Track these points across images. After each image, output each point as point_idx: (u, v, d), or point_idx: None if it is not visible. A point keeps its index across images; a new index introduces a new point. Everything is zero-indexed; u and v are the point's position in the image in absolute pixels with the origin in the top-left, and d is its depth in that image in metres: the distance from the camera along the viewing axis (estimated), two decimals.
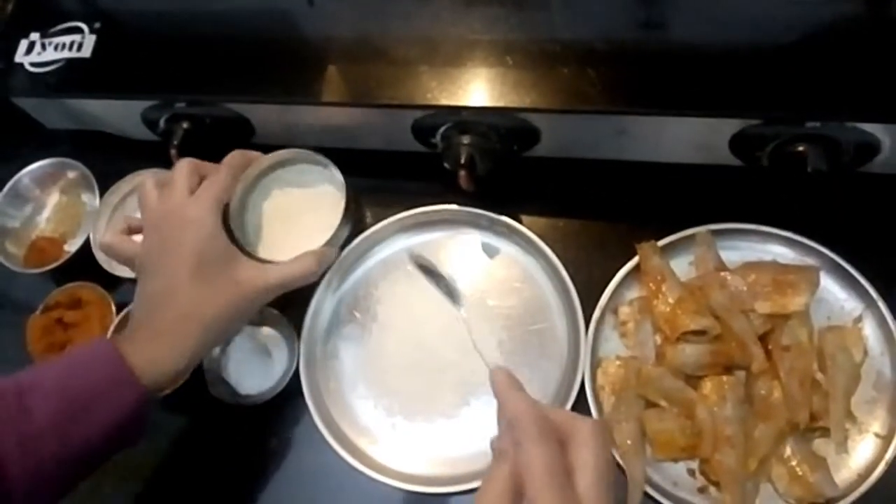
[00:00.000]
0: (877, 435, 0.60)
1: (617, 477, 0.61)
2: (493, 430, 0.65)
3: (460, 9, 0.68)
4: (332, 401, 0.69)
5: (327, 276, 0.72)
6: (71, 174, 0.80)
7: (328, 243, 0.68)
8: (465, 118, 0.66)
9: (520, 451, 0.44)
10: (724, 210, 0.67)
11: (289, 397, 0.68)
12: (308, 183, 0.73)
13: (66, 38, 0.74)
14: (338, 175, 0.70)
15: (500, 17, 0.67)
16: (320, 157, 0.71)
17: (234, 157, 0.67)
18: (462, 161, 0.65)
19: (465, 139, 0.66)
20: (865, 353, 0.63)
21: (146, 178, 0.66)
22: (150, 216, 0.64)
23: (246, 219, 0.70)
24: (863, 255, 0.64)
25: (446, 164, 0.67)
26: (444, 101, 0.65)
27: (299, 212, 0.70)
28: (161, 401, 0.67)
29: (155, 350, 0.59)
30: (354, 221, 0.73)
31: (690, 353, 0.62)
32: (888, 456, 0.59)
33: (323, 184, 0.72)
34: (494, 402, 0.66)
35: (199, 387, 0.68)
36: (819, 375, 0.62)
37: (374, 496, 0.65)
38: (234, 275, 0.62)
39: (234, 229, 0.67)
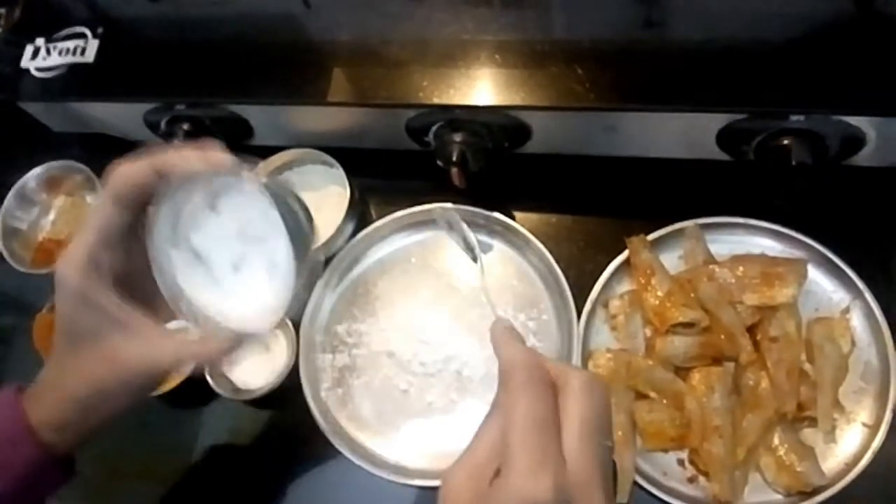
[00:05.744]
0: (864, 424, 0.61)
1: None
2: None
3: (452, 9, 0.69)
4: (330, 396, 0.71)
5: (326, 274, 0.73)
6: (76, 177, 0.82)
7: (331, 240, 0.70)
8: (457, 116, 0.67)
9: (507, 398, 0.42)
10: (713, 204, 0.68)
11: (288, 392, 0.69)
12: (314, 182, 0.75)
13: (70, 43, 0.76)
14: (342, 173, 0.71)
15: (491, 18, 0.68)
16: (326, 157, 0.72)
17: (116, 179, 0.50)
18: (454, 158, 0.67)
19: (457, 137, 0.67)
20: (853, 343, 0.63)
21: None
22: None
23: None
24: (850, 248, 0.64)
25: (439, 162, 0.68)
26: (436, 100, 0.66)
27: None
28: (161, 395, 0.69)
29: (49, 409, 0.53)
30: (358, 219, 0.74)
31: (679, 344, 0.63)
32: (875, 445, 0.59)
33: (328, 183, 0.74)
34: (490, 398, 0.67)
35: (200, 382, 0.70)
36: (807, 366, 0.63)
37: (371, 490, 0.66)
38: (107, 350, 0.51)
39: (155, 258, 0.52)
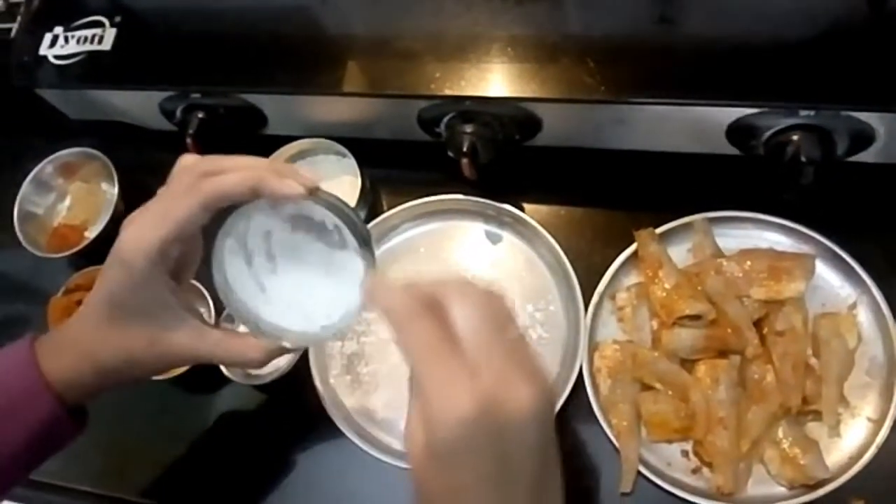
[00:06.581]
0: (869, 419, 0.61)
1: (612, 457, 0.63)
2: None
3: (465, 2, 0.69)
4: (339, 383, 0.72)
5: None
6: (92, 163, 0.83)
7: None
8: (468, 108, 0.67)
9: (399, 342, 0.42)
10: (722, 198, 0.68)
11: (297, 378, 0.70)
12: (326, 171, 0.76)
13: (88, 32, 0.77)
14: (354, 163, 0.72)
15: (504, 11, 0.68)
16: (339, 147, 0.73)
17: (213, 191, 0.50)
18: (465, 150, 0.67)
19: (468, 128, 0.67)
20: (859, 338, 0.63)
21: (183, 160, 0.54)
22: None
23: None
24: (858, 243, 0.65)
25: (450, 153, 0.69)
26: (448, 92, 0.67)
27: None
28: (173, 380, 0.70)
29: (63, 364, 0.55)
30: (369, 208, 0.75)
31: (686, 337, 0.63)
32: (879, 440, 0.59)
33: (339, 172, 0.75)
34: None
35: (212, 367, 0.70)
36: (813, 360, 0.63)
37: (377, 475, 0.67)
38: (155, 332, 0.53)
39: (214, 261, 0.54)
